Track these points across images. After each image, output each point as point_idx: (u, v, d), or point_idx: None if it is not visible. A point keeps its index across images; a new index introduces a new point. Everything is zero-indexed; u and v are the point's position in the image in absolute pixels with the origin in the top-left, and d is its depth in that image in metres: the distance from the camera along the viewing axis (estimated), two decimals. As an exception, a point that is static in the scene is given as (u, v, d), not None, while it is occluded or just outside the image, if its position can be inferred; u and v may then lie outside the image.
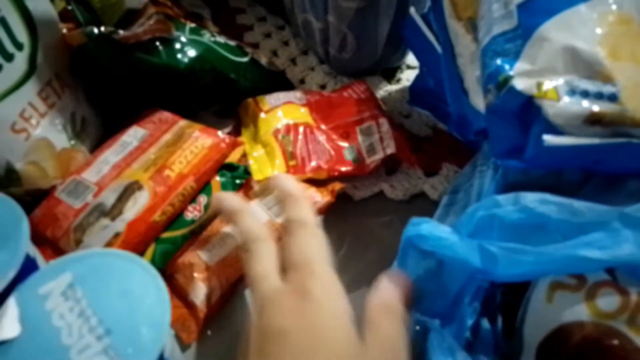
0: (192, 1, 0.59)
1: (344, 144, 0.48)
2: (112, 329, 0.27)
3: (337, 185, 0.46)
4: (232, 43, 0.51)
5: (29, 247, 0.34)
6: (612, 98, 0.30)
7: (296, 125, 0.48)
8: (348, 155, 0.48)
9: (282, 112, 0.49)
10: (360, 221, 0.49)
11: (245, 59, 0.51)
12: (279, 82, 0.56)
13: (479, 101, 0.38)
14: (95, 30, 0.43)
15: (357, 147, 0.48)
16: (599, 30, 0.31)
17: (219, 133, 0.44)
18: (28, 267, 0.34)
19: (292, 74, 0.61)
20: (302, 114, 0.49)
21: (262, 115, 0.49)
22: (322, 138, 0.48)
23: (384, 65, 0.60)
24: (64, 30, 0.46)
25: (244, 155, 0.48)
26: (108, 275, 0.30)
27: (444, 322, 0.33)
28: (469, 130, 0.42)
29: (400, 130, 0.51)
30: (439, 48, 0.45)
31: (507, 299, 0.34)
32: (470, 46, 0.40)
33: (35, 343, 0.27)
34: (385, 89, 0.59)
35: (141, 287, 0.29)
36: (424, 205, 0.50)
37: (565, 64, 0.31)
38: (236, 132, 0.53)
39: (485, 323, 0.33)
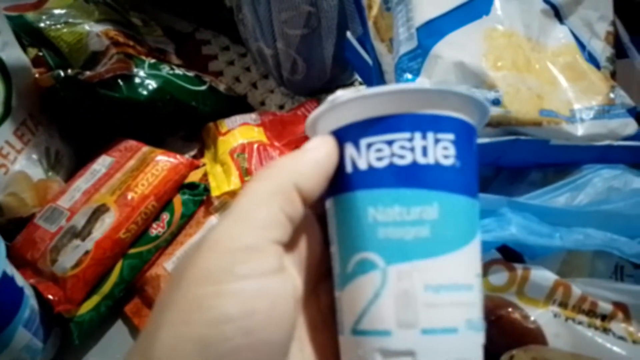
0: (157, 38, 0.65)
1: (296, 158, 0.53)
2: None
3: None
4: (190, 74, 0.56)
5: (7, 266, 0.39)
6: (496, 102, 0.35)
7: (250, 144, 0.53)
8: (300, 168, 0.52)
9: (238, 133, 0.54)
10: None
11: (203, 87, 0.56)
12: (239, 105, 0.61)
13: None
14: (62, 73, 0.48)
15: (308, 160, 0.53)
16: (484, 45, 0.36)
17: (178, 156, 0.49)
18: (6, 283, 0.39)
19: (253, 97, 0.66)
20: (257, 134, 0.54)
21: (221, 137, 0.54)
22: (275, 154, 0.53)
23: (337, 83, 0.65)
24: (37, 75, 0.51)
25: (205, 175, 0.52)
26: None
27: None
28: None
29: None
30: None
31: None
32: (392, 64, 0.45)
33: None
34: (339, 105, 0.64)
35: None
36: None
37: (456, 76, 0.36)
38: (201, 154, 0.58)
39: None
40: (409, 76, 0.38)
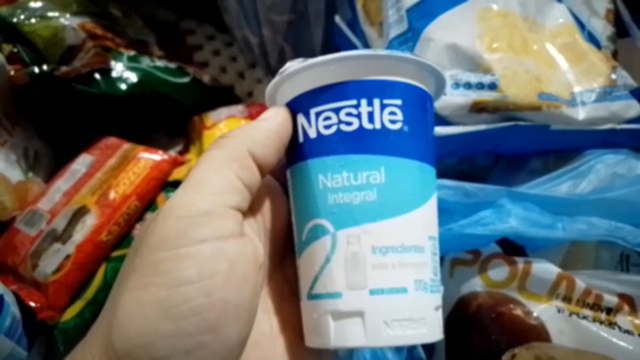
0: (138, 29, 0.62)
1: (285, 151, 0.51)
2: None
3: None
4: (172, 65, 0.54)
5: None
6: (492, 87, 0.33)
7: (238, 138, 0.51)
8: (290, 161, 0.50)
9: (224, 126, 0.52)
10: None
11: (186, 79, 0.54)
12: (225, 97, 0.59)
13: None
14: (36, 69, 0.46)
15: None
16: (477, 26, 0.34)
17: (160, 153, 0.47)
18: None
19: (240, 88, 0.64)
20: (244, 126, 0.52)
21: (206, 131, 0.52)
22: (263, 147, 0.51)
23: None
24: (12, 72, 0.49)
25: (192, 171, 0.50)
26: None
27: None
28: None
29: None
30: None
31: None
32: (383, 49, 0.43)
33: None
34: (329, 94, 0.62)
35: None
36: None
37: (450, 60, 0.34)
38: (186, 149, 0.56)
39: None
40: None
